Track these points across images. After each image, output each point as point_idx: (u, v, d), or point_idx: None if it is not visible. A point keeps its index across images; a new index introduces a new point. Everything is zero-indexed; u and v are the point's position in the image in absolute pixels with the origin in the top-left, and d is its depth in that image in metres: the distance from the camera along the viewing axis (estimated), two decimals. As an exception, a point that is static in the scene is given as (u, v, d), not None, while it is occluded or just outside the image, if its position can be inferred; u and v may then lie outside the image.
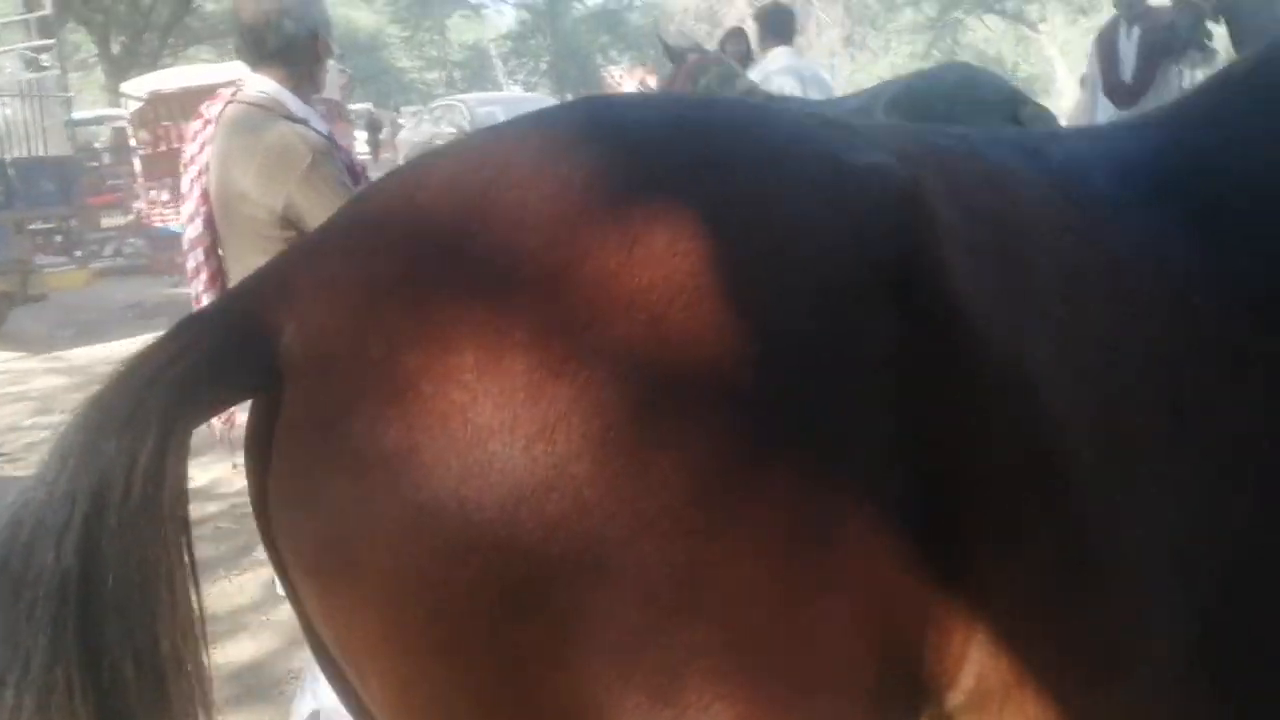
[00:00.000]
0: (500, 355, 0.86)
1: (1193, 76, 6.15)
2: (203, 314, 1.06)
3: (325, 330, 0.93)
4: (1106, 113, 6.45)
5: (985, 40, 27.42)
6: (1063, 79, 21.21)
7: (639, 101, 1.31)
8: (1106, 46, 6.56)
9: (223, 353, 0.95)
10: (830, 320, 0.92)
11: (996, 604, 0.97)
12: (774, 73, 5.60)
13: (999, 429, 0.97)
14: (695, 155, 0.97)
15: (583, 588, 0.86)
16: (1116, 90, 6.42)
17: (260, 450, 0.97)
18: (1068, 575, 1.00)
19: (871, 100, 4.73)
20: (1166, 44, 6.10)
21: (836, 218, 0.96)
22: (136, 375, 0.93)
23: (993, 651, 0.98)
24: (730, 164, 0.97)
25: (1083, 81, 7.97)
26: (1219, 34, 6.03)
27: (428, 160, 1.07)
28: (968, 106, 4.25)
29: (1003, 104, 4.36)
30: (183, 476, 0.92)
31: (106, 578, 0.89)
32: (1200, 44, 5.99)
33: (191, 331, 0.97)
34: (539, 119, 1.09)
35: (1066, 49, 23.73)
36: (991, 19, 26.74)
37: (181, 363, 0.93)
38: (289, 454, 0.94)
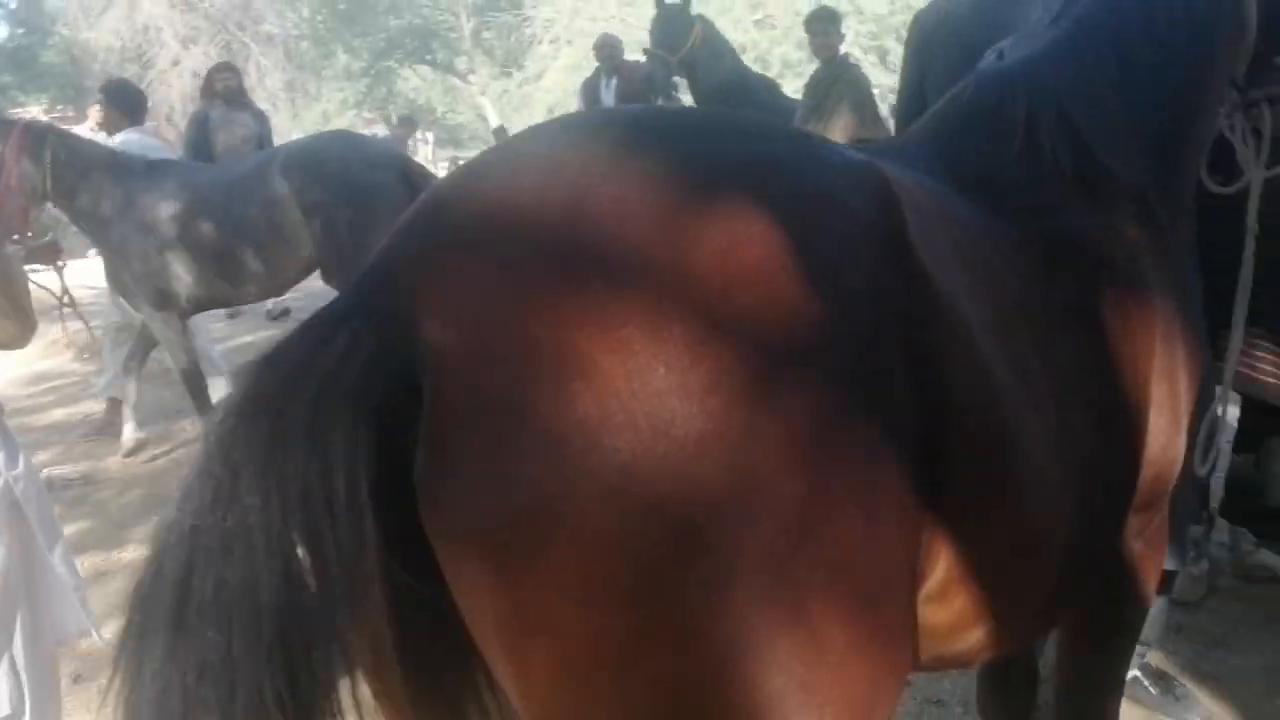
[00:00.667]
0: (659, 327, 0.97)
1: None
2: (343, 315, 1.05)
3: (481, 321, 0.99)
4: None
5: (415, 89, 28.46)
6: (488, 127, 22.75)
7: (656, 112, 1.42)
8: (589, 94, 7.55)
9: (381, 355, 0.99)
10: (872, 284, 1.10)
11: (957, 511, 1.19)
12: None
13: (963, 373, 1.18)
14: (744, 157, 1.14)
15: (743, 523, 0.98)
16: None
17: (398, 448, 1.00)
18: (1000, 485, 1.24)
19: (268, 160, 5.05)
20: (643, 94, 7.16)
21: (863, 202, 1.16)
22: (302, 384, 0.98)
23: (953, 549, 1.19)
24: (778, 163, 1.15)
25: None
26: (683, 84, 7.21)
27: (502, 159, 1.18)
28: (361, 165, 4.83)
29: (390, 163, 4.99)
30: (374, 482, 0.98)
31: (316, 592, 0.96)
32: (669, 93, 7.11)
33: (343, 335, 1.01)
34: (584, 124, 1.25)
35: (495, 99, 25.49)
36: (422, 69, 27.87)
37: (349, 370, 0.98)
38: (462, 442, 0.98)
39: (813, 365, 1.03)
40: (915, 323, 1.12)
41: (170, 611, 0.95)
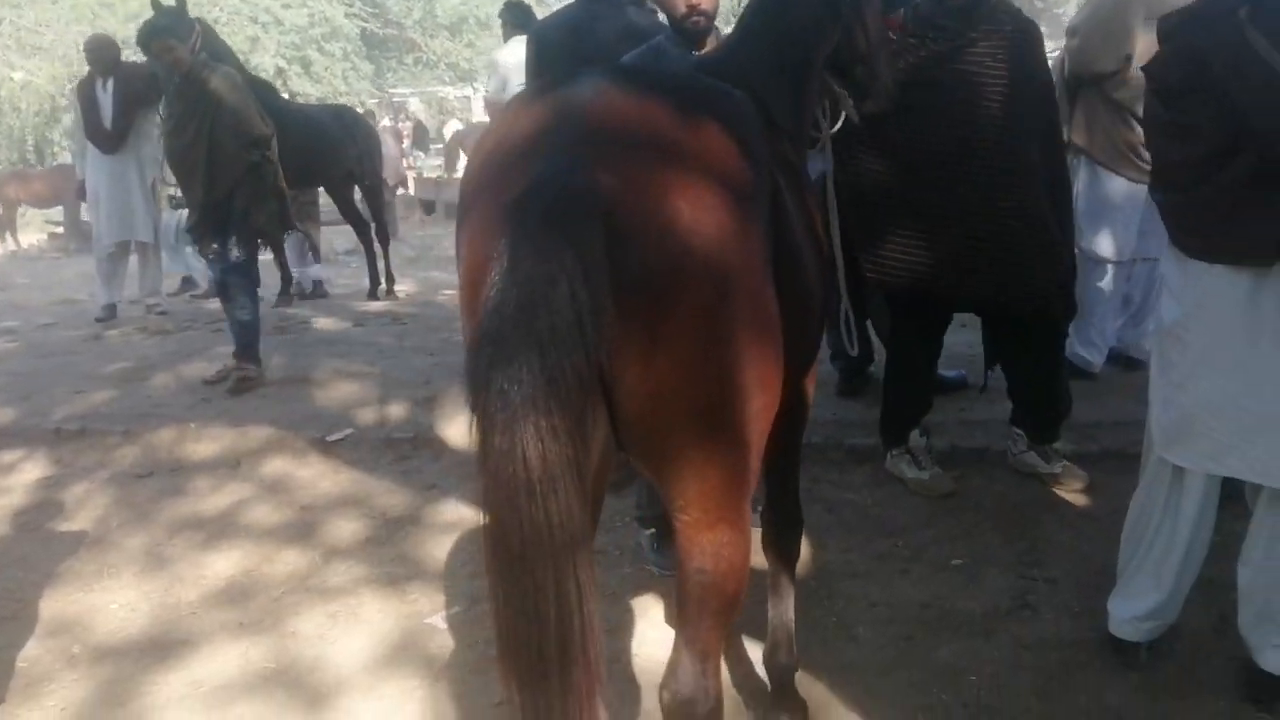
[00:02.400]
0: (700, 183, 1.68)
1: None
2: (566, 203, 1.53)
3: (652, 202, 1.60)
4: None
5: None
6: None
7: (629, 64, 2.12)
8: (85, 97, 7.35)
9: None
10: (765, 156, 1.91)
11: (780, 284, 1.87)
12: None
13: (783, 209, 1.97)
14: (701, 86, 2.04)
15: (740, 277, 1.69)
16: (98, 135, 7.31)
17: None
18: (794, 272, 1.99)
19: None
20: (144, 95, 7.18)
21: (751, 108, 2.05)
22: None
23: (782, 304, 1.88)
24: (716, 90, 2.00)
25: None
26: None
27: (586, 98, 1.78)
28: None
29: None
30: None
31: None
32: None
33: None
34: (604, 74, 1.92)
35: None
36: None
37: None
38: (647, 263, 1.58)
39: (753, 197, 1.80)
40: (772, 180, 1.94)
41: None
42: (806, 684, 2.69)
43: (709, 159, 1.73)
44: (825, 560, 3.42)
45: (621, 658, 2.99)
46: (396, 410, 4.97)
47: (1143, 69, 2.64)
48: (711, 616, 1.86)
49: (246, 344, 5.47)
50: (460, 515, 3.98)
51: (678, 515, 1.81)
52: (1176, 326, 2.56)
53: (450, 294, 9.38)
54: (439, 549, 3.72)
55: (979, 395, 4.37)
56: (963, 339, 5.33)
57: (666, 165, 1.67)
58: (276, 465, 4.55)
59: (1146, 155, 3.57)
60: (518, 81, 7.07)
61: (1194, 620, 2.88)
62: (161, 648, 3.17)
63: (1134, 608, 2.74)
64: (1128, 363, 4.82)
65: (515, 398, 1.44)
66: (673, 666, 1.89)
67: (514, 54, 7.12)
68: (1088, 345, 4.69)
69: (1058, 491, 3.80)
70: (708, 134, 1.77)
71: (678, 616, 1.91)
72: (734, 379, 1.73)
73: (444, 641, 3.11)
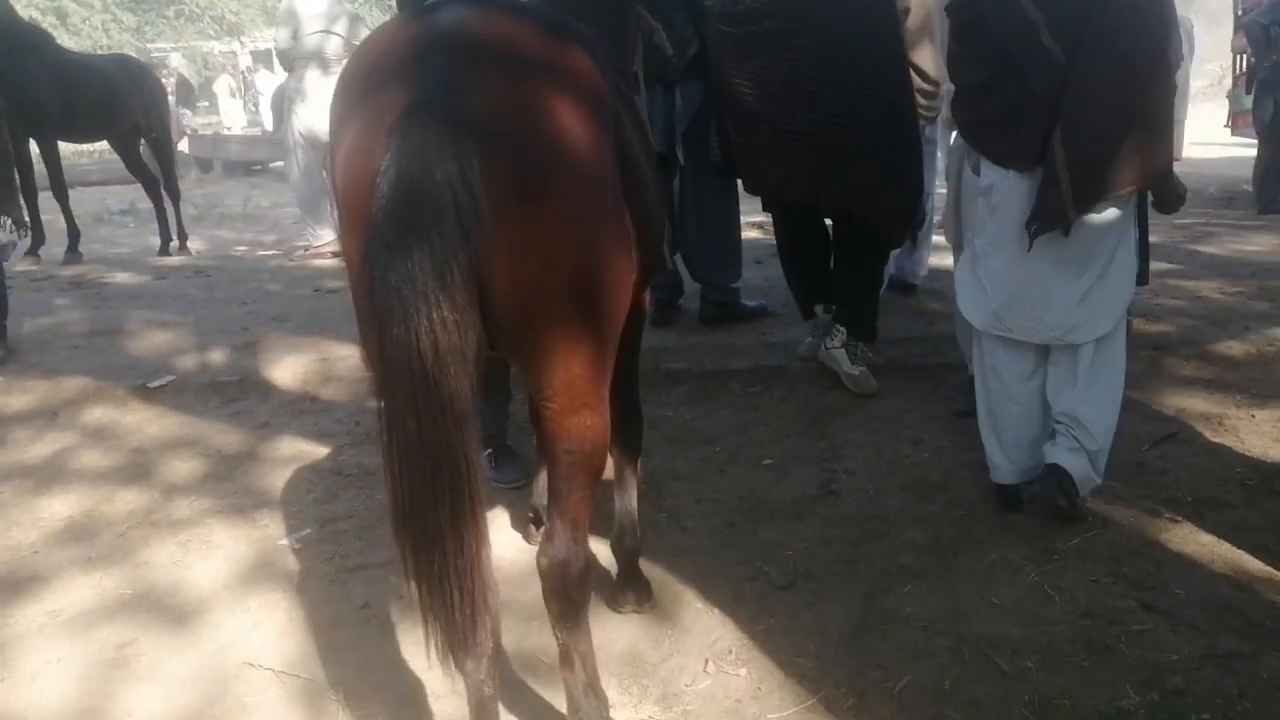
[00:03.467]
0: (568, 96, 1.89)
1: None
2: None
3: (521, 117, 1.80)
4: None
5: None
6: None
7: None
8: None
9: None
10: (610, 80, 2.10)
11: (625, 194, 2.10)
12: None
13: (626, 144, 2.14)
14: (554, 19, 2.07)
15: (608, 190, 1.96)
16: None
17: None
18: (635, 182, 2.17)
19: None
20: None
21: (595, 39, 2.17)
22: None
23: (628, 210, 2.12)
24: (568, 21, 2.11)
25: None
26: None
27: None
28: None
29: None
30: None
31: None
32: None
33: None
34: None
35: None
36: None
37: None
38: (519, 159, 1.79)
39: (607, 114, 2.00)
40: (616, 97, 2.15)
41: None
42: (646, 568, 2.99)
43: (573, 77, 1.96)
44: (652, 467, 3.74)
45: (475, 559, 3.22)
46: (217, 356, 4.99)
47: (945, 9, 3.18)
48: (580, 490, 2.12)
49: None
50: (298, 449, 4.09)
51: (546, 404, 2.04)
52: (986, 223, 3.20)
53: (244, 250, 9.25)
54: (280, 480, 3.84)
55: (775, 320, 4.83)
56: (760, 274, 5.79)
57: (534, 82, 1.87)
58: (97, 414, 4.51)
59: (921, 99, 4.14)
60: (310, 30, 7.07)
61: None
62: (10, 585, 3.18)
63: (1001, 460, 3.34)
64: (904, 288, 5.37)
65: (409, 294, 1.63)
66: (548, 535, 2.14)
67: (311, 4, 7.10)
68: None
69: (852, 395, 4.27)
70: (571, 55, 2.00)
71: (549, 493, 2.16)
72: (595, 278, 1.98)
73: (299, 560, 3.26)
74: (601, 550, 3.13)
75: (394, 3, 7.75)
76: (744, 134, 4.07)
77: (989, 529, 3.22)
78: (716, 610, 2.87)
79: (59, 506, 3.71)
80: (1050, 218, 2.99)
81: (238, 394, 4.65)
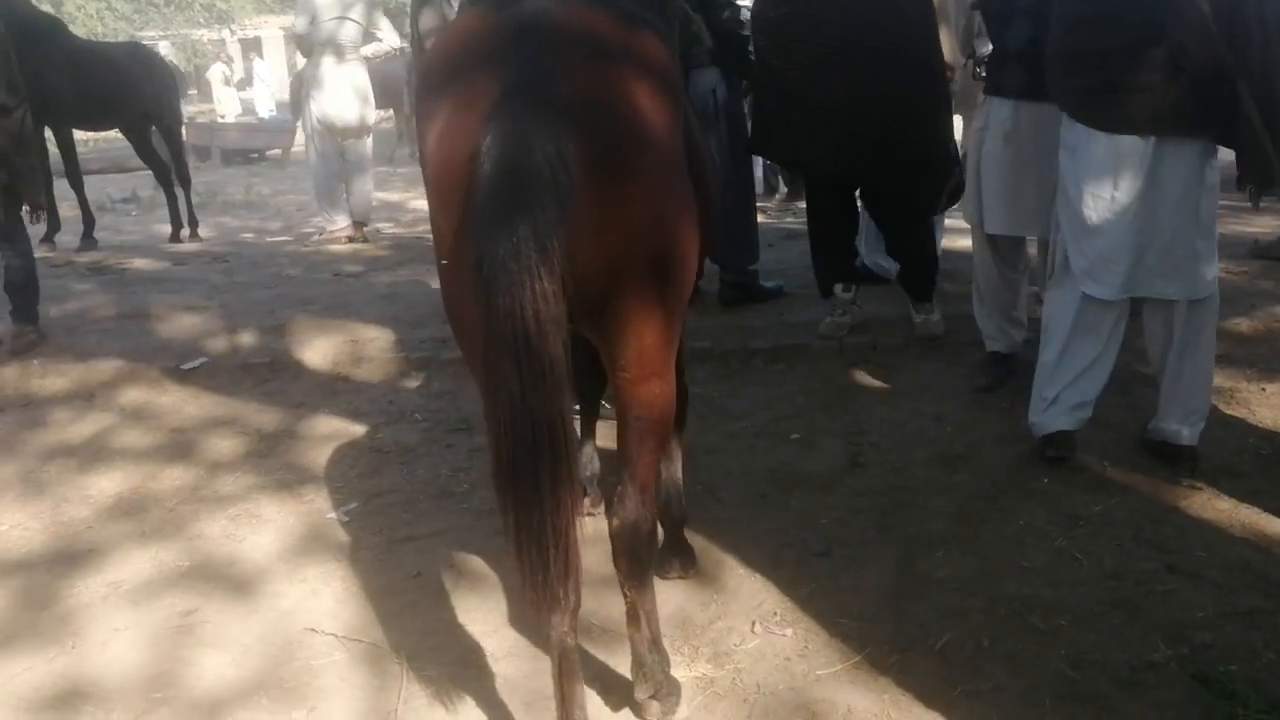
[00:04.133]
0: (649, 73, 2.06)
1: None
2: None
3: (610, 100, 1.93)
4: None
5: None
6: None
7: None
8: None
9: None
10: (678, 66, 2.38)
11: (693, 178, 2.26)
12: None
13: (690, 126, 2.35)
14: (626, 8, 2.16)
15: (682, 169, 2.12)
16: None
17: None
18: (698, 163, 2.34)
19: None
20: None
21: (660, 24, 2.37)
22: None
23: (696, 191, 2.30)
24: (637, 10, 2.21)
25: None
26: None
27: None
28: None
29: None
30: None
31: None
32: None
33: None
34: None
35: None
36: None
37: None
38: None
39: (679, 96, 2.20)
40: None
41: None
42: (688, 536, 3.12)
43: (649, 63, 2.08)
44: (683, 441, 3.85)
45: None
46: (247, 339, 5.09)
47: None
48: (649, 454, 2.24)
49: (22, 305, 5.07)
50: (335, 428, 4.20)
51: (619, 373, 2.15)
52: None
53: (252, 237, 9.32)
54: (321, 456, 3.95)
55: (793, 301, 4.96)
56: (773, 257, 5.89)
57: (616, 68, 2.00)
58: (133, 395, 4.61)
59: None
60: (328, 17, 7.13)
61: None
62: (68, 558, 3.29)
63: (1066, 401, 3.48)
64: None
65: (514, 267, 1.74)
66: (620, 497, 2.25)
67: (325, -9, 7.17)
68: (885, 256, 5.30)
69: (872, 372, 4.40)
70: (646, 42, 2.11)
71: (620, 457, 2.27)
72: (669, 252, 2.10)
73: (349, 532, 3.37)
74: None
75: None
76: (781, 111, 4.26)
77: (1015, 497, 3.35)
78: (758, 575, 2.99)
79: (105, 484, 3.81)
80: (1266, 177, 3.34)
81: (270, 375, 4.76)
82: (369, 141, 7.77)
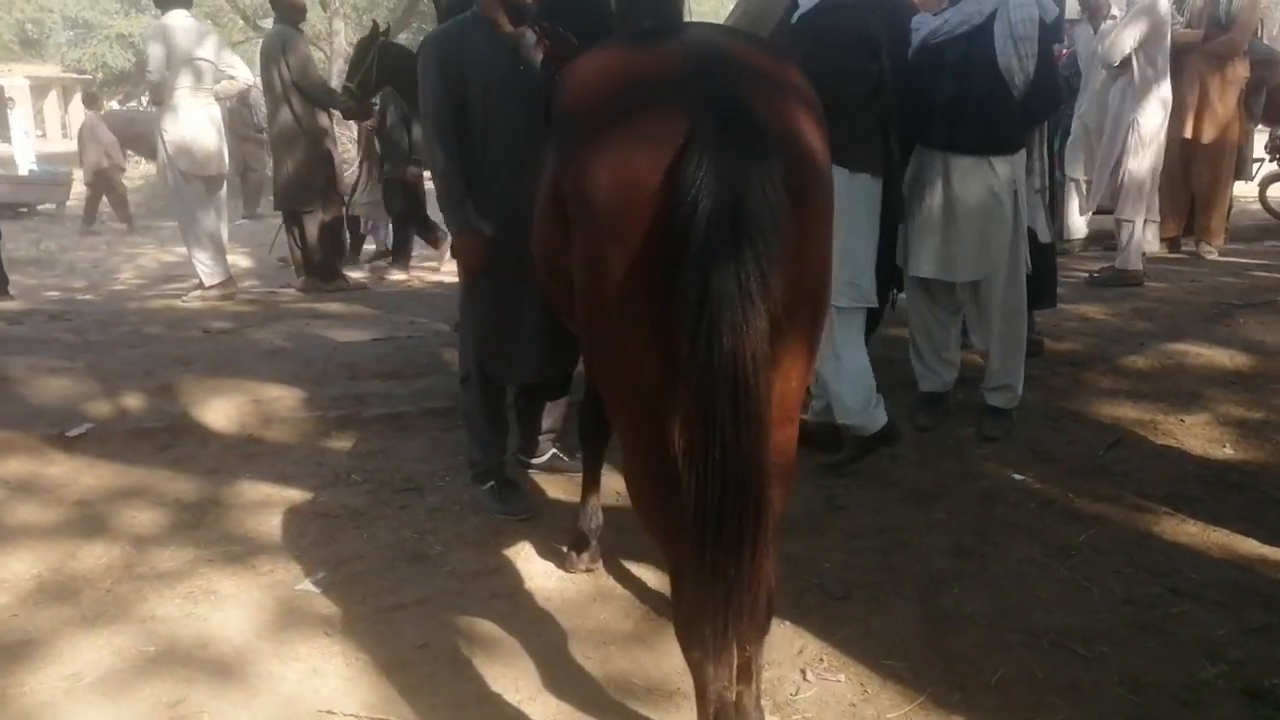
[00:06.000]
0: (817, 114, 2.04)
1: None
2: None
3: (797, 132, 1.91)
4: None
5: None
6: None
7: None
8: None
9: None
10: None
11: None
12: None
13: None
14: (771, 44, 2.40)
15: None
16: None
17: None
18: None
19: None
20: None
21: None
22: None
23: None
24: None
25: None
26: None
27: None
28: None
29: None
30: None
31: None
32: None
33: None
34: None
35: None
36: None
37: None
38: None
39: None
40: None
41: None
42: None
43: (807, 96, 2.03)
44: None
45: (521, 591, 3.16)
46: (132, 401, 4.63)
47: None
48: (779, 504, 2.10)
49: None
50: (263, 494, 3.87)
51: None
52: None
53: (58, 295, 8.58)
54: (261, 525, 3.62)
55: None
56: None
57: (793, 102, 1.97)
58: (15, 467, 4.10)
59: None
60: (182, 59, 6.71)
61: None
62: (3, 650, 2.87)
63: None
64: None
65: (742, 305, 1.66)
66: None
67: (181, 26, 6.77)
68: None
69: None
70: (798, 77, 2.07)
71: None
72: (826, 291, 2.07)
73: (329, 604, 3.10)
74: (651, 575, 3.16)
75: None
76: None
77: (1001, 531, 3.43)
78: (787, 623, 2.92)
79: (17, 566, 3.36)
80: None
81: (170, 440, 4.34)
82: (225, 188, 7.34)
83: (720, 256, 1.66)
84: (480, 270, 3.51)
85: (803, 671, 2.71)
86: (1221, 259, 7.22)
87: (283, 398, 4.62)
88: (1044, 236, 4.40)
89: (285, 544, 3.48)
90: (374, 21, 6.59)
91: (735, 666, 1.98)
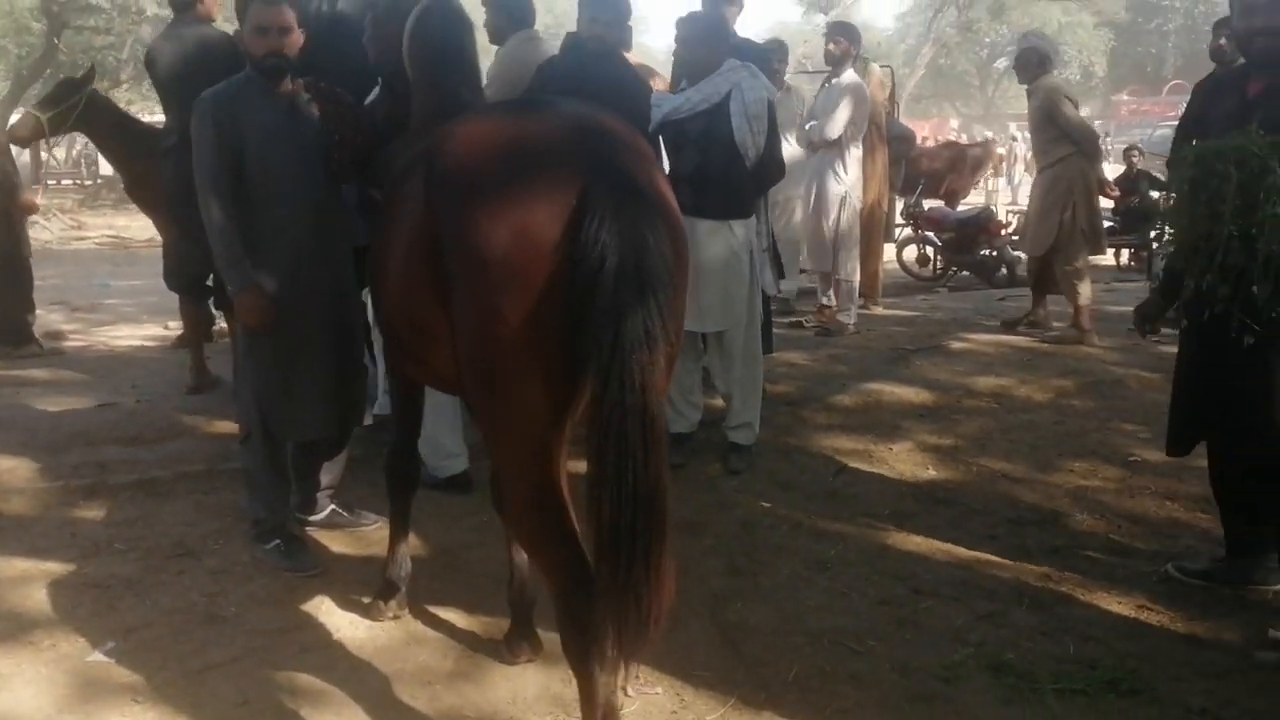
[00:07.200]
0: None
1: None
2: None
3: (668, 195, 2.24)
4: None
5: None
6: None
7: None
8: None
9: None
10: None
11: None
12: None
13: None
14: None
15: None
16: None
17: None
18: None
19: None
20: None
21: None
22: None
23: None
24: None
25: None
26: None
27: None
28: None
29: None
30: None
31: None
32: None
33: None
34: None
35: None
36: None
37: None
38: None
39: None
40: None
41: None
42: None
43: (654, 159, 2.32)
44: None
45: (332, 643, 3.19)
46: None
47: None
48: None
49: None
50: (19, 569, 3.62)
51: None
52: None
53: None
54: (26, 600, 3.40)
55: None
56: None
57: (655, 167, 2.27)
58: None
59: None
60: None
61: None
62: None
63: None
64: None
65: (649, 344, 1.92)
66: None
67: None
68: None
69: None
70: (648, 146, 2.35)
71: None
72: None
73: (129, 671, 2.99)
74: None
75: None
76: None
77: (765, 553, 3.83)
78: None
79: None
80: None
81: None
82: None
83: (630, 306, 1.91)
84: (263, 328, 3.51)
85: (623, 689, 2.94)
86: (886, 311, 8.21)
87: (14, 469, 4.31)
88: (771, 290, 4.93)
89: (60, 617, 3.30)
90: (92, 65, 6.29)
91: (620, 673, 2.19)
